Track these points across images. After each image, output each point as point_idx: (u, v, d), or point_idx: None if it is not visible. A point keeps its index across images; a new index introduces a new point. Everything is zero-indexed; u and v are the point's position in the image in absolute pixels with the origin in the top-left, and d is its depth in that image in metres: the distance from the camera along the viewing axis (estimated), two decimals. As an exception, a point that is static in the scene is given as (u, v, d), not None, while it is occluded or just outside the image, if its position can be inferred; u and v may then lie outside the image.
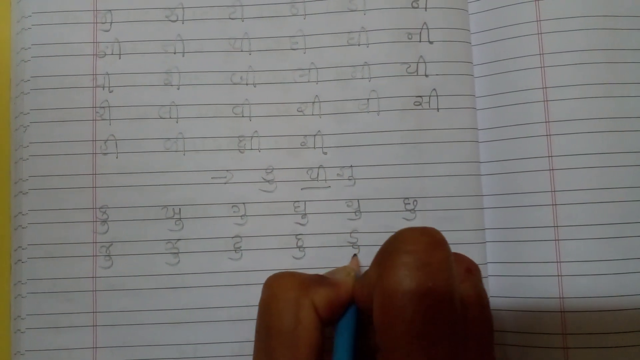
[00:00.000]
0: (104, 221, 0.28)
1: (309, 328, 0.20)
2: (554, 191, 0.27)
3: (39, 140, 0.28)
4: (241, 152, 0.28)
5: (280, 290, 0.21)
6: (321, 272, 0.27)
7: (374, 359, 0.19)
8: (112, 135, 0.28)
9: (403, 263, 0.19)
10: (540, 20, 0.27)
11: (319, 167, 0.28)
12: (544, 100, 0.27)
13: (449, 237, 0.26)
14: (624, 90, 0.27)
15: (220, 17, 0.29)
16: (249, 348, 0.27)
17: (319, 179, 0.28)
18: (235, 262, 0.28)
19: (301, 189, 0.28)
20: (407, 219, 0.27)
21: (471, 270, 0.22)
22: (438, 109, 0.28)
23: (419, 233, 0.20)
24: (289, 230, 0.28)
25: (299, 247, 0.28)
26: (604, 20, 0.27)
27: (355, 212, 0.28)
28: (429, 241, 0.19)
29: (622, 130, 0.27)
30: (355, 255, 0.27)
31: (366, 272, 0.21)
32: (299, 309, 0.21)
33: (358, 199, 0.28)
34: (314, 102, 0.28)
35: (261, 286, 0.27)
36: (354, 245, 0.27)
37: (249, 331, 0.27)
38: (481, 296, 0.21)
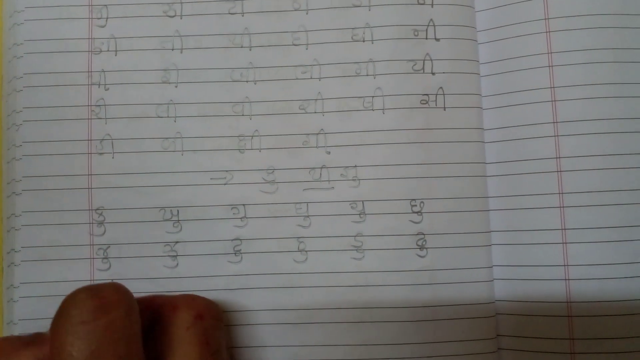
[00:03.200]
0: (101, 223, 0.27)
1: None
2: (562, 193, 0.26)
3: (33, 139, 0.27)
4: (241, 152, 0.27)
5: None
6: (323, 277, 0.27)
7: None
8: (108, 134, 0.28)
9: (66, 329, 0.19)
10: (548, 19, 0.27)
11: (321, 167, 0.27)
12: (551, 100, 0.26)
13: (455, 240, 0.26)
14: (633, 90, 0.26)
15: (219, 12, 0.28)
16: (247, 352, 0.26)
17: (322, 179, 0.27)
18: (234, 266, 0.27)
19: (303, 190, 0.27)
20: (414, 222, 0.27)
21: (202, 316, 0.22)
22: (445, 107, 0.27)
23: (86, 295, 0.19)
24: (291, 233, 0.27)
25: (301, 251, 0.27)
26: (613, 19, 0.27)
27: (359, 214, 0.27)
28: (96, 304, 0.19)
29: (631, 131, 0.26)
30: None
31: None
32: None
33: (363, 201, 0.27)
34: (316, 100, 0.27)
35: (262, 290, 0.27)
36: (358, 249, 0.27)
37: (246, 336, 0.26)
38: (207, 343, 0.21)
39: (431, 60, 0.27)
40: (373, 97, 0.27)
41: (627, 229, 0.26)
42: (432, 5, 0.27)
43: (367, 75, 0.27)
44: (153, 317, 0.22)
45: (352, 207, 0.27)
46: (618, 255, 0.26)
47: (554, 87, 0.26)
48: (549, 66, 0.27)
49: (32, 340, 0.21)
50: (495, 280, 0.27)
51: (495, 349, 0.26)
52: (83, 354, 0.18)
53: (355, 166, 0.27)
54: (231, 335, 0.27)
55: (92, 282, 0.27)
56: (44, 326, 0.26)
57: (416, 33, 0.27)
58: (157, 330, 0.22)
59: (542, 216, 0.26)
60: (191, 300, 0.22)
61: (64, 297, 0.26)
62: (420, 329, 0.26)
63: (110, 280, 0.27)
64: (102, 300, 0.19)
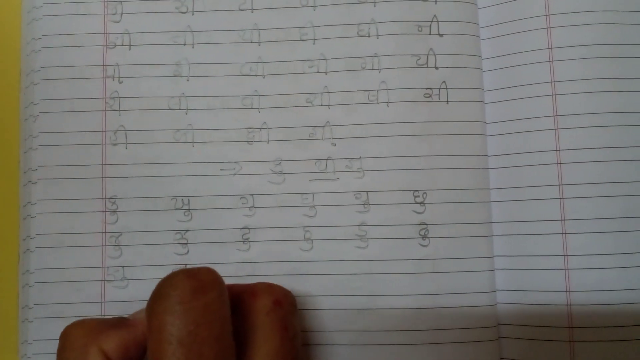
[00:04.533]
0: (114, 211, 0.28)
1: None
2: (562, 185, 0.27)
3: (49, 130, 0.28)
4: (250, 144, 0.28)
5: (68, 339, 0.21)
6: (328, 265, 0.27)
7: None
8: (122, 126, 0.28)
9: (166, 308, 0.19)
10: (549, 15, 0.27)
11: (327, 159, 0.28)
12: (552, 94, 0.27)
13: (456, 230, 0.27)
14: (632, 84, 0.27)
15: (230, 8, 0.29)
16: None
17: (328, 170, 0.28)
18: (243, 253, 0.28)
19: (309, 181, 0.28)
20: (417, 212, 0.27)
21: (281, 302, 0.22)
22: (448, 101, 0.28)
23: (185, 276, 0.20)
24: (297, 222, 0.28)
25: (307, 240, 0.28)
26: (613, 14, 0.27)
27: (364, 204, 0.28)
28: (193, 285, 0.20)
29: (630, 124, 0.27)
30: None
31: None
32: (85, 356, 0.21)
33: (367, 191, 0.28)
34: (322, 93, 0.28)
35: (269, 278, 0.27)
36: (362, 238, 0.27)
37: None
38: (286, 328, 0.22)
39: (434, 55, 0.28)
40: (378, 90, 0.28)
41: (626, 219, 0.26)
42: (435, 1, 0.28)
43: (372, 69, 0.28)
44: (232, 303, 0.22)
45: (356, 197, 0.28)
46: (617, 246, 0.26)
47: (554, 82, 0.27)
48: (550, 61, 0.27)
49: (117, 323, 0.22)
50: (496, 270, 0.27)
51: (496, 336, 0.27)
52: (182, 332, 0.19)
53: (360, 158, 0.28)
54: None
55: (103, 269, 0.28)
56: (59, 311, 0.27)
57: (420, 28, 0.28)
58: (237, 315, 0.22)
59: (542, 207, 0.27)
60: (269, 288, 0.23)
61: (79, 283, 0.27)
62: (422, 317, 0.27)
63: (123, 267, 0.28)
64: (198, 281, 0.20)
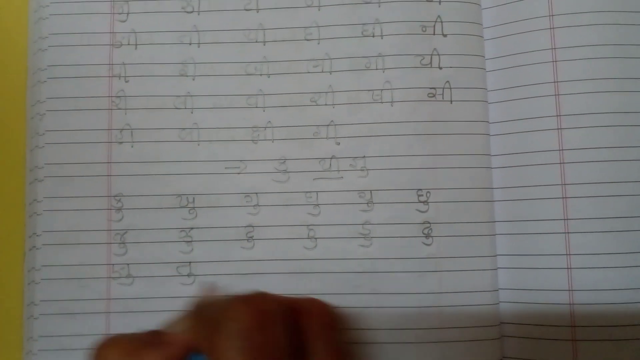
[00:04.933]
0: (119, 209, 0.28)
1: None
2: (564, 184, 0.27)
3: (55, 128, 0.29)
4: (255, 143, 0.29)
5: (105, 358, 0.20)
6: (332, 264, 0.27)
7: None
8: (128, 124, 0.29)
9: (228, 345, 0.19)
10: (552, 15, 0.28)
11: (331, 158, 0.28)
12: (555, 94, 0.27)
13: (460, 229, 0.27)
14: (635, 85, 0.27)
15: (235, 8, 0.29)
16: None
17: (332, 169, 0.28)
18: (247, 251, 0.28)
19: (313, 180, 0.28)
20: (420, 211, 0.27)
21: (332, 324, 0.22)
22: (451, 101, 0.28)
23: (244, 309, 0.20)
24: (301, 220, 0.28)
25: (311, 238, 0.28)
26: (616, 15, 0.27)
27: (367, 203, 0.28)
28: (254, 320, 0.20)
29: (632, 124, 0.27)
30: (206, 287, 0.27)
31: (201, 311, 0.22)
32: None
33: (370, 190, 0.28)
34: (327, 93, 0.28)
35: (273, 276, 0.28)
36: (366, 236, 0.28)
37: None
38: (339, 351, 0.22)
39: (438, 55, 0.28)
40: (382, 90, 0.28)
41: (629, 219, 0.26)
42: (439, 2, 0.28)
43: (377, 69, 0.28)
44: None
45: (360, 196, 0.28)
46: (619, 245, 0.26)
47: (557, 82, 0.27)
48: (553, 61, 0.27)
49: (152, 341, 0.21)
50: (498, 268, 0.28)
51: (498, 335, 0.27)
52: None
53: (364, 157, 0.28)
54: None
55: (108, 266, 0.28)
56: (64, 308, 0.27)
57: (424, 29, 0.28)
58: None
59: (545, 207, 0.27)
60: (319, 307, 0.23)
61: (84, 280, 0.27)
62: (424, 315, 0.27)
63: (128, 264, 0.28)
64: (259, 315, 0.20)
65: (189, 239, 0.28)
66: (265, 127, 0.29)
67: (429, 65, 0.28)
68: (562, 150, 0.27)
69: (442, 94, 0.28)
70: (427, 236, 0.27)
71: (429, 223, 0.27)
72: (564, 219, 0.27)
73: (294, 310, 0.22)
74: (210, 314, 0.20)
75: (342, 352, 0.22)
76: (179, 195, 0.28)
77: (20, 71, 0.30)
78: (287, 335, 0.20)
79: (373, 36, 0.29)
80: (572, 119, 0.27)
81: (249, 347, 0.19)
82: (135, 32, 0.29)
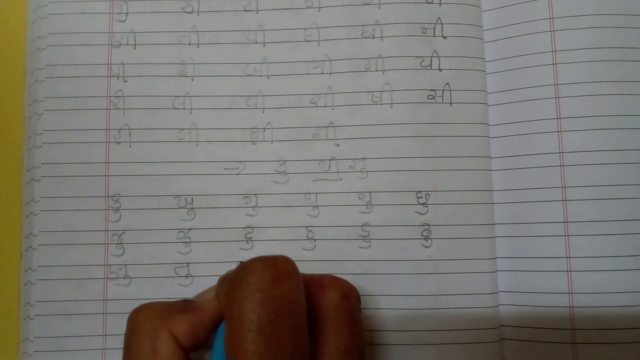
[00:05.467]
0: (116, 209, 0.28)
1: (167, 358, 0.21)
2: (564, 187, 0.27)
3: (53, 128, 0.28)
4: (254, 144, 0.28)
5: (137, 323, 0.21)
6: (331, 265, 0.27)
7: None
8: (126, 124, 0.29)
9: (246, 296, 0.19)
10: (552, 18, 0.28)
11: (330, 159, 0.28)
12: (555, 97, 0.27)
13: (459, 232, 0.27)
14: (635, 87, 0.27)
15: (235, 9, 0.29)
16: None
17: (331, 171, 0.28)
18: (246, 253, 0.28)
19: (313, 181, 0.28)
20: (419, 213, 0.27)
21: (349, 296, 0.22)
22: (451, 103, 0.28)
23: (263, 264, 0.20)
24: (300, 222, 0.28)
25: (310, 239, 0.28)
26: (616, 18, 0.27)
27: (367, 205, 0.28)
28: (272, 273, 0.20)
29: (633, 127, 0.27)
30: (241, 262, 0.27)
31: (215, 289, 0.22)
32: (156, 340, 0.21)
33: (370, 192, 0.28)
34: (326, 94, 0.28)
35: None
36: (365, 238, 0.27)
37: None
38: (354, 322, 0.22)
39: (438, 57, 0.28)
40: (381, 92, 0.28)
41: (629, 222, 0.26)
42: (439, 4, 0.28)
43: (376, 70, 0.28)
44: None
45: (359, 198, 0.28)
46: (620, 248, 0.26)
47: (557, 84, 0.27)
48: (553, 64, 0.27)
49: (185, 307, 0.22)
50: (498, 271, 0.28)
51: (497, 338, 0.27)
52: (262, 321, 0.19)
53: (364, 158, 0.28)
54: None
55: (105, 267, 0.28)
56: (60, 308, 0.27)
57: (424, 30, 0.28)
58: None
59: (545, 209, 0.27)
60: (336, 281, 0.23)
61: (81, 280, 0.27)
62: (423, 318, 0.27)
63: (126, 265, 0.28)
64: (277, 270, 0.20)
65: (187, 240, 0.28)
66: (265, 128, 0.28)
67: (429, 67, 0.28)
68: (562, 152, 0.27)
69: (442, 96, 0.28)
70: (427, 238, 0.27)
71: (428, 225, 0.27)
72: (564, 222, 0.27)
73: (313, 282, 0.22)
74: (231, 274, 0.21)
75: (357, 326, 0.22)
76: (178, 196, 0.28)
77: (18, 70, 0.30)
78: (304, 300, 0.20)
79: (373, 38, 0.28)
80: (573, 122, 0.27)
81: (266, 300, 0.19)
82: (134, 32, 0.29)
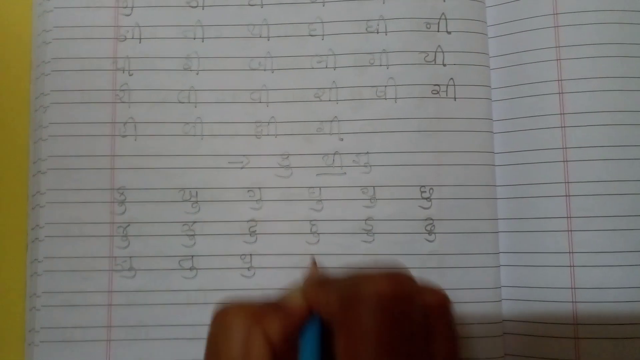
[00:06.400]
0: (122, 202, 0.28)
1: (259, 357, 0.21)
2: (568, 182, 0.27)
3: (59, 121, 0.29)
4: (258, 138, 0.29)
5: (227, 322, 0.21)
6: (334, 259, 0.27)
7: None
8: (132, 118, 0.29)
9: (367, 310, 0.19)
10: (556, 14, 0.28)
11: (334, 154, 0.28)
12: (559, 93, 0.27)
13: (462, 226, 0.27)
14: (638, 83, 0.27)
15: (239, 3, 0.29)
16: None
17: (335, 165, 0.28)
18: (250, 246, 0.28)
19: (316, 175, 0.28)
20: (423, 207, 0.27)
21: (447, 305, 0.22)
22: (455, 98, 0.28)
23: (387, 283, 0.20)
24: (304, 215, 0.28)
25: (313, 233, 0.28)
26: (620, 14, 0.27)
27: (370, 199, 0.28)
28: (395, 293, 0.20)
29: (636, 123, 0.27)
30: (313, 260, 0.27)
31: (334, 282, 0.22)
32: (249, 339, 0.21)
33: (374, 186, 0.28)
34: (331, 89, 0.28)
35: (276, 270, 0.27)
36: (368, 232, 0.28)
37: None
38: (456, 331, 0.22)
39: (442, 52, 0.28)
40: (386, 86, 0.28)
41: (632, 218, 0.26)
42: (444, -1, 0.28)
43: (381, 65, 0.28)
44: None
45: (363, 192, 0.28)
46: (622, 244, 0.26)
47: (561, 80, 0.27)
48: (557, 60, 0.27)
49: (277, 308, 0.22)
50: (501, 266, 0.28)
51: (500, 332, 0.27)
52: (383, 337, 0.19)
53: (367, 153, 0.28)
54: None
55: (110, 259, 0.28)
56: (66, 299, 0.27)
57: (428, 26, 0.28)
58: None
59: (549, 204, 0.27)
60: (432, 288, 0.22)
61: (86, 272, 0.28)
62: (427, 312, 0.27)
63: (131, 257, 0.28)
64: (401, 289, 0.20)
65: (192, 233, 0.28)
66: (269, 122, 0.29)
67: (433, 62, 0.28)
68: (566, 148, 0.27)
69: (446, 91, 0.28)
70: (430, 233, 0.27)
71: (432, 219, 0.27)
72: (567, 217, 0.27)
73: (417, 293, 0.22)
74: (343, 287, 0.21)
75: (457, 334, 0.22)
76: (182, 189, 0.28)
77: (24, 64, 0.30)
78: (419, 312, 0.20)
79: (377, 32, 0.29)
80: (576, 117, 0.27)
81: (386, 319, 0.19)
82: (140, 26, 0.29)
